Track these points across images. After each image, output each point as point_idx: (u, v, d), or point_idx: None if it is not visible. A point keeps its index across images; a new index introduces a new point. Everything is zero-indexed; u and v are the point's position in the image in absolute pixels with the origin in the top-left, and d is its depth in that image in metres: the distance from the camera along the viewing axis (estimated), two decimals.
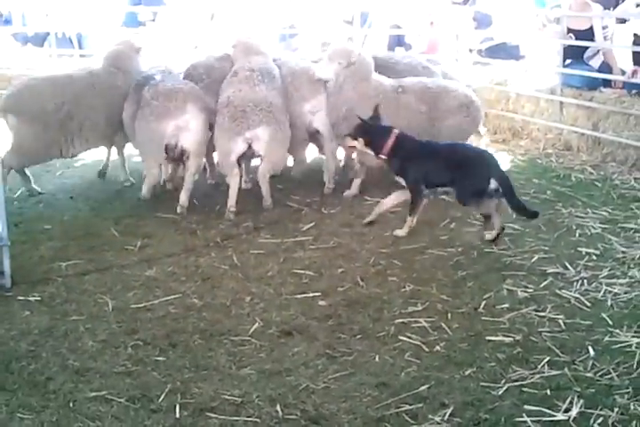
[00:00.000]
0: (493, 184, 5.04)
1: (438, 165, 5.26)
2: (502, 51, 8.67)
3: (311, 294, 4.47)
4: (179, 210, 5.85)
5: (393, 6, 10.04)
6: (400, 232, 5.37)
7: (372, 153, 5.41)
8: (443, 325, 4.10)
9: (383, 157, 5.35)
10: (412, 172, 5.28)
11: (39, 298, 4.41)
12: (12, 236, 4.72)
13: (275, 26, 10.04)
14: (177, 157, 5.96)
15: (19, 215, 5.66)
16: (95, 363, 3.74)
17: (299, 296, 4.46)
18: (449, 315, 4.22)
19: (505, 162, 7.17)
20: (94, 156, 7.23)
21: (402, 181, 5.36)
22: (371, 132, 5.39)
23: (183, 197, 5.91)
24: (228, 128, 5.74)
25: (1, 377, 3.60)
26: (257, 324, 4.12)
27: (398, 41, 9.57)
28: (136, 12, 10.97)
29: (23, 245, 5.13)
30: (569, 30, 7.57)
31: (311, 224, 5.62)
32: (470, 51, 8.83)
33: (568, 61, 7.64)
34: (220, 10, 10.56)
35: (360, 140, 5.41)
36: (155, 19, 10.85)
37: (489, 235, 5.24)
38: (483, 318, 4.17)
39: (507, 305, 4.31)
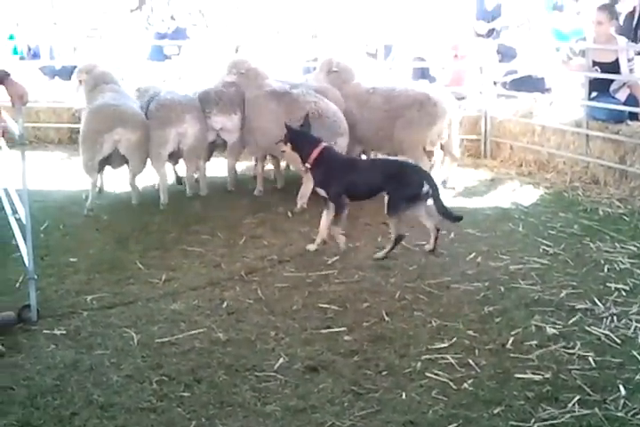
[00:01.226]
0: (425, 188, 5.42)
1: (363, 177, 5.63)
2: (527, 83, 8.66)
3: (336, 329, 4.43)
4: (161, 207, 6.86)
5: (417, 39, 10.11)
6: (341, 245, 5.70)
7: (299, 160, 5.80)
8: (470, 361, 4.03)
9: (308, 166, 5.70)
10: (334, 184, 5.61)
11: (64, 332, 4.40)
12: (39, 269, 4.74)
13: (299, 58, 10.11)
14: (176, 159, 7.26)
15: (45, 248, 5.68)
16: (120, 398, 3.71)
17: (324, 331, 4.42)
18: (476, 351, 4.15)
19: (531, 195, 7.15)
20: (120, 188, 7.30)
21: (322, 193, 5.68)
22: (299, 140, 5.75)
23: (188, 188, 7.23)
24: None
25: (26, 412, 3.58)
26: (282, 359, 4.08)
27: (422, 73, 9.59)
28: (161, 45, 11.13)
29: (49, 279, 5.15)
30: (594, 63, 7.56)
31: (336, 258, 5.59)
32: (494, 83, 8.83)
33: (594, 94, 7.61)
34: (245, 43, 10.69)
35: (289, 145, 5.77)
36: (179, 53, 10.98)
37: (428, 245, 5.60)
38: (511, 354, 4.11)
39: (535, 342, 4.24)
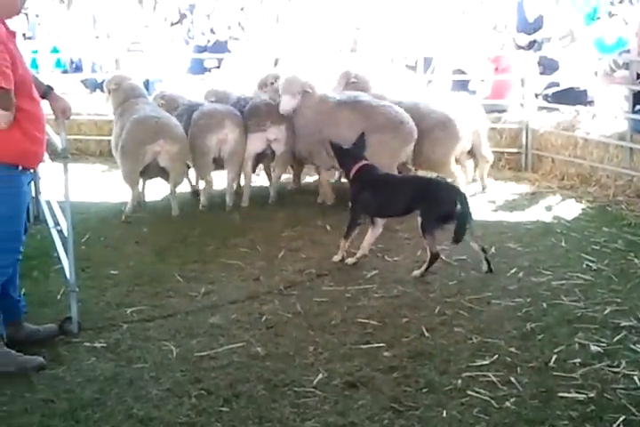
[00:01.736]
0: (458, 207, 5.37)
1: (396, 195, 5.66)
2: (569, 96, 8.56)
3: (375, 345, 4.39)
4: (200, 207, 7.21)
5: (457, 51, 10.06)
6: (336, 257, 5.77)
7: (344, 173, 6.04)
8: (512, 379, 3.96)
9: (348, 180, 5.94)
10: (358, 201, 5.75)
11: (105, 344, 4.42)
12: (80, 281, 4.77)
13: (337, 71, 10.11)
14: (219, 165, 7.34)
15: (86, 260, 5.71)
16: (159, 412, 3.71)
17: (363, 347, 4.38)
18: (518, 369, 4.08)
19: (573, 209, 7.05)
20: (161, 202, 7.35)
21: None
22: (342, 156, 5.91)
23: (227, 199, 7.26)
24: None
25: (67, 425, 3.59)
26: (321, 375, 4.05)
27: (462, 86, 9.53)
28: (201, 58, 11.23)
29: (90, 291, 5.18)
30: (638, 75, 7.45)
31: (375, 272, 5.56)
32: (536, 96, 8.75)
33: (638, 107, 7.50)
34: (284, 55, 10.73)
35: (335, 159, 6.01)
36: (219, 65, 11.06)
37: (484, 267, 5.49)
38: (554, 373, 4.03)
39: (579, 360, 4.15)
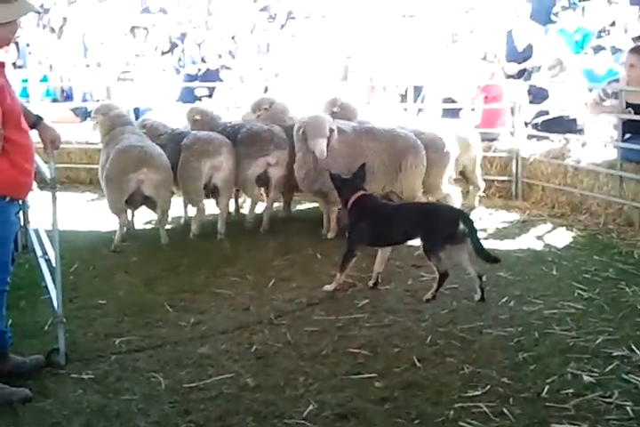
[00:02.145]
0: (461, 227, 5.36)
1: (395, 223, 5.60)
2: (559, 124, 8.59)
3: (367, 375, 4.34)
4: (191, 235, 7.18)
5: (447, 80, 10.12)
6: (329, 287, 5.73)
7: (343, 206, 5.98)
8: (505, 410, 3.92)
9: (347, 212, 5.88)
10: (355, 231, 5.71)
11: (92, 376, 4.36)
12: (67, 311, 4.72)
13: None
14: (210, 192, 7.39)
15: (74, 290, 5.66)
16: None
17: (354, 377, 4.33)
18: (511, 400, 4.04)
19: (564, 237, 7.05)
20: (150, 231, 7.31)
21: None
22: (341, 186, 5.89)
23: (220, 226, 7.27)
24: None
25: None
26: (311, 406, 4.00)
27: (452, 114, 9.57)
28: (192, 87, 11.26)
29: (78, 321, 5.13)
30: (627, 104, 7.50)
31: (366, 301, 5.52)
32: (526, 124, 8.79)
33: (627, 136, 7.54)
34: (275, 84, 10.78)
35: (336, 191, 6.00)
36: (211, 94, 11.08)
37: (476, 296, 5.45)
38: (546, 403, 3.98)
39: (571, 390, 4.11)
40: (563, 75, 8.90)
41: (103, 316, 5.31)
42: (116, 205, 6.93)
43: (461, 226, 5.39)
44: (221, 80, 11.10)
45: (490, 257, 5.46)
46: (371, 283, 5.83)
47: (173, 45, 13.22)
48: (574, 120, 8.68)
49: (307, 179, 7.08)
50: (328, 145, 6.78)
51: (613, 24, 10.90)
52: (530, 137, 8.76)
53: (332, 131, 6.85)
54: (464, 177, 8.11)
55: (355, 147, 7.03)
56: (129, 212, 7.30)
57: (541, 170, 8.43)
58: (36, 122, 4.33)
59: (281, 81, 10.86)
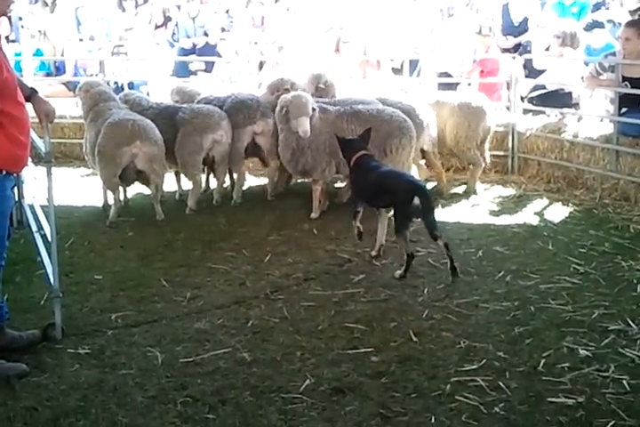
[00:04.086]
0: (416, 202, 5.37)
1: (372, 186, 5.75)
2: (554, 99, 8.54)
3: (363, 350, 4.36)
4: (187, 211, 7.18)
5: (443, 54, 10.06)
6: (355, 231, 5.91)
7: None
8: (501, 384, 3.94)
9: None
10: (355, 189, 6.15)
11: (89, 351, 4.37)
12: (63, 286, 4.71)
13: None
14: (209, 165, 7.50)
15: (70, 265, 5.65)
16: (144, 420, 3.67)
17: (350, 352, 4.35)
18: (507, 374, 4.06)
19: (560, 212, 7.04)
20: (145, 206, 7.27)
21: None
22: (344, 147, 6.11)
23: (216, 196, 7.45)
24: None
25: None
26: (308, 380, 4.02)
27: (448, 89, 9.52)
28: (187, 61, 11.18)
29: (74, 296, 5.12)
30: (624, 78, 7.46)
31: (362, 276, 5.52)
32: (522, 99, 8.74)
33: (624, 110, 7.51)
34: (269, 58, 10.69)
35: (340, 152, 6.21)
36: (207, 68, 10.99)
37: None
38: (543, 377, 4.01)
39: (567, 364, 4.13)
40: (568, 50, 8.83)
41: (99, 291, 5.30)
42: (110, 179, 6.89)
43: (416, 201, 5.37)
44: (220, 55, 10.99)
45: (433, 233, 5.41)
46: (373, 253, 5.89)
47: (167, 19, 13.09)
48: (570, 94, 8.62)
49: (292, 160, 7.00)
50: (310, 124, 6.71)
51: None
52: (526, 111, 8.71)
53: (313, 110, 6.77)
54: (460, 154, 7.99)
55: (336, 127, 6.91)
56: (121, 188, 7.25)
57: (537, 145, 8.40)
58: (30, 95, 4.29)
59: (282, 55, 10.74)
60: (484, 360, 4.20)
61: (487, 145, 8.07)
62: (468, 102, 7.77)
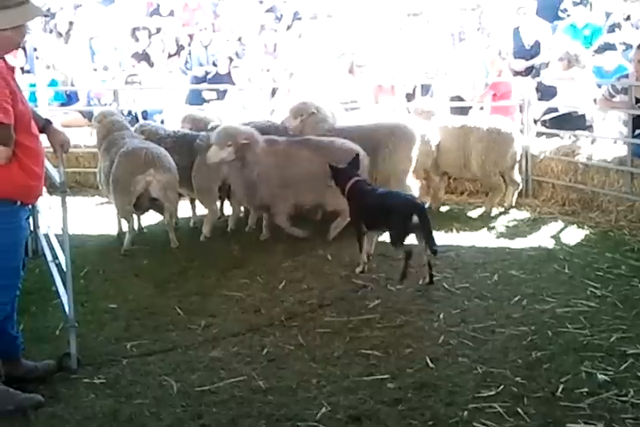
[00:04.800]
0: (415, 219, 5.61)
1: (372, 209, 5.92)
2: (568, 121, 8.55)
3: (379, 377, 4.32)
4: (202, 238, 7.19)
5: (455, 78, 10.09)
6: (358, 269, 6.09)
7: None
8: (519, 410, 3.90)
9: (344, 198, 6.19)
10: (353, 214, 6.19)
11: (104, 380, 4.35)
12: (78, 316, 4.69)
13: (337, 100, 10.12)
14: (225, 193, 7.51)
15: (84, 294, 5.65)
16: None
17: (366, 378, 4.31)
18: (525, 399, 4.01)
19: (575, 235, 7.00)
20: (160, 234, 7.29)
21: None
22: (337, 175, 6.21)
23: (231, 223, 7.51)
24: None
25: None
26: (324, 408, 3.98)
27: (461, 112, 9.54)
28: (199, 89, 11.25)
29: (89, 325, 5.11)
30: (637, 100, 7.45)
31: (377, 301, 5.49)
32: (535, 121, 8.74)
33: (637, 131, 7.49)
34: (282, 84, 10.75)
35: (332, 181, 6.24)
36: (219, 97, 11.06)
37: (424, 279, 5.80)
38: (561, 403, 3.96)
39: (586, 389, 4.08)
40: (575, 69, 8.83)
41: (114, 320, 5.30)
42: (124, 207, 6.94)
43: (415, 218, 5.61)
44: (233, 83, 11.06)
45: (432, 248, 5.69)
46: (358, 269, 6.10)
47: (180, 48, 13.22)
48: (583, 117, 8.63)
49: (247, 195, 6.94)
50: (245, 158, 6.69)
51: (628, 18, 10.84)
52: (539, 134, 8.72)
53: (240, 144, 6.64)
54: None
55: (288, 158, 6.89)
56: (135, 216, 7.27)
57: (551, 167, 8.39)
58: (45, 126, 4.32)
59: (294, 81, 10.80)
60: (502, 386, 4.15)
61: (516, 169, 8.08)
62: (498, 128, 7.79)
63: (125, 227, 7.09)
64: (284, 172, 6.89)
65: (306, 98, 7.90)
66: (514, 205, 8.08)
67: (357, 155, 6.34)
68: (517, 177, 8.11)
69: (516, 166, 8.12)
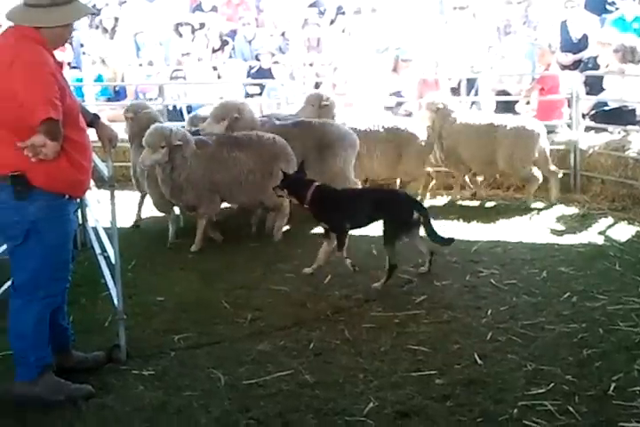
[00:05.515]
0: (415, 215, 5.69)
1: (358, 208, 5.91)
2: (617, 115, 8.41)
3: (427, 372, 4.29)
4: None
5: (500, 72, 9.98)
6: (307, 270, 6.01)
7: (297, 202, 6.05)
8: (570, 408, 3.83)
9: (307, 206, 5.95)
10: (334, 217, 5.93)
11: (153, 372, 4.38)
12: (127, 308, 4.73)
13: (381, 93, 10.08)
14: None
15: (132, 287, 5.68)
16: None
17: (414, 374, 4.28)
18: (576, 398, 3.95)
19: (626, 231, 6.88)
20: None
21: (324, 226, 6.00)
22: (293, 184, 6.00)
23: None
24: None
25: None
26: (372, 403, 3.96)
27: (506, 107, 9.44)
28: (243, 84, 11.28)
29: (137, 318, 5.15)
30: None
31: (423, 297, 5.45)
32: (583, 116, 8.61)
33: None
34: (326, 79, 10.73)
35: (285, 190, 6.00)
36: (261, 92, 11.08)
37: (423, 268, 5.90)
38: (613, 401, 3.89)
39: (639, 388, 4.01)
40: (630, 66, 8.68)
41: (161, 312, 5.34)
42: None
43: (415, 215, 5.69)
44: (273, 77, 11.07)
45: (443, 240, 5.80)
46: (308, 270, 6.01)
47: (224, 43, 13.24)
48: (633, 111, 8.48)
49: (173, 196, 6.76)
50: (175, 160, 6.51)
51: None
52: (588, 129, 8.58)
53: (176, 146, 6.47)
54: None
55: (217, 159, 6.76)
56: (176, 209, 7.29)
57: (600, 162, 8.26)
58: (93, 120, 4.35)
59: (338, 76, 10.76)
60: (552, 384, 4.09)
61: (549, 160, 8.03)
62: (523, 125, 7.82)
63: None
64: (214, 174, 6.76)
65: (227, 99, 7.80)
66: (558, 197, 8.00)
67: (303, 162, 6.27)
68: (553, 167, 8.05)
69: (549, 159, 8.05)
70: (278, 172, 6.59)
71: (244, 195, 6.93)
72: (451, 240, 5.86)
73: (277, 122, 7.54)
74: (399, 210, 5.76)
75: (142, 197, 7.72)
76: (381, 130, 7.98)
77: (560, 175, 8.04)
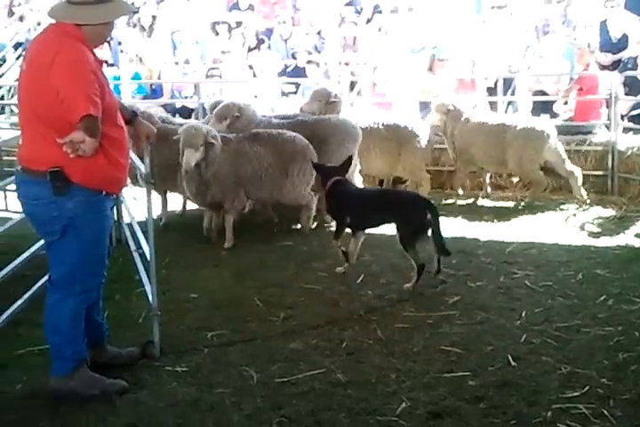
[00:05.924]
0: (428, 216, 5.62)
1: (367, 208, 5.97)
2: None
3: (460, 373, 4.26)
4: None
5: (538, 72, 9.89)
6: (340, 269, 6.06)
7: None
8: (605, 412, 3.79)
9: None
10: (338, 212, 6.12)
11: (186, 369, 4.40)
12: (160, 304, 4.75)
13: (415, 94, 10.04)
14: None
15: (166, 283, 5.71)
16: None
17: (447, 375, 4.26)
18: (611, 401, 3.90)
19: None
20: (237, 226, 7.34)
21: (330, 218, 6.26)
22: (320, 173, 6.28)
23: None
24: None
25: None
26: (404, 403, 3.95)
27: (543, 107, 9.35)
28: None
29: (171, 314, 5.18)
30: None
31: (457, 298, 5.43)
32: (622, 117, 8.50)
33: None
34: (361, 79, 10.70)
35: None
36: (297, 91, 11.09)
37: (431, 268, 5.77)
38: None
39: None
40: None
41: (194, 309, 5.37)
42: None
43: (428, 216, 5.62)
44: (307, 76, 11.08)
45: (444, 249, 5.65)
46: (340, 269, 6.05)
47: (260, 41, 13.28)
48: None
49: (198, 193, 6.81)
50: (208, 157, 6.55)
51: None
52: (626, 130, 8.47)
53: (210, 143, 6.53)
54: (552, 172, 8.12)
55: (240, 154, 6.82)
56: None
57: (639, 164, 8.15)
58: (131, 118, 4.39)
59: (378, 75, 10.74)
60: (587, 387, 4.05)
61: (566, 160, 8.01)
62: (533, 126, 7.85)
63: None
64: (239, 169, 6.84)
65: (228, 99, 7.78)
66: (589, 197, 7.97)
67: (350, 156, 6.34)
68: (570, 167, 8.03)
69: (566, 159, 8.04)
70: (294, 171, 6.83)
71: (262, 190, 7.01)
72: (448, 253, 5.70)
73: (275, 120, 7.61)
74: (413, 212, 5.72)
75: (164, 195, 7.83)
76: (381, 127, 8.03)
77: (579, 175, 8.00)
